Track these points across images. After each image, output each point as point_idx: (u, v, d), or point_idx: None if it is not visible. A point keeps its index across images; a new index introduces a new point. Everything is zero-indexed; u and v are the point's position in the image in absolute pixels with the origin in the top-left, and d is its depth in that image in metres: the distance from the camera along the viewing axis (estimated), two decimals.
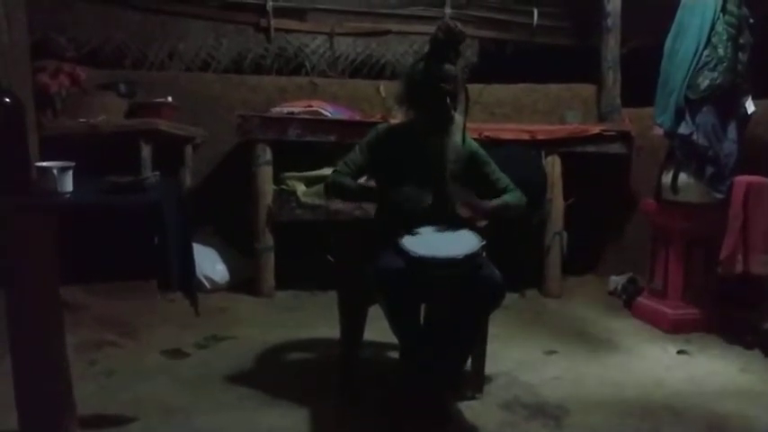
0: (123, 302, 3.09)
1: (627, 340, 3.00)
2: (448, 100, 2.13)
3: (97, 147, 3.04)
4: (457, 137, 2.23)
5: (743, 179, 2.89)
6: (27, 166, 1.73)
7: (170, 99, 3.56)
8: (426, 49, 2.27)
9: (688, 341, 2.96)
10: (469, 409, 2.21)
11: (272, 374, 2.54)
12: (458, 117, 2.20)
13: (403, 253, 1.98)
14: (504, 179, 2.33)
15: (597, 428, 2.11)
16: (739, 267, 2.82)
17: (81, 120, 3.25)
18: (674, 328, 3.08)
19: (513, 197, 2.30)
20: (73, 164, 1.74)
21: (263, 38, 4.10)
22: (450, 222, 2.18)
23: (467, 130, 2.32)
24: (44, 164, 1.72)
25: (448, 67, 2.15)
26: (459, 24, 2.20)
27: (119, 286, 3.08)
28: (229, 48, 4.06)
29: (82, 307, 2.94)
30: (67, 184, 1.72)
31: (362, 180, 2.67)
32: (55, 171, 1.70)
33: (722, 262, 2.86)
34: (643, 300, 3.35)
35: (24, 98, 2.14)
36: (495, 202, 2.27)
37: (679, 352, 2.84)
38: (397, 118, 2.49)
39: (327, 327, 2.76)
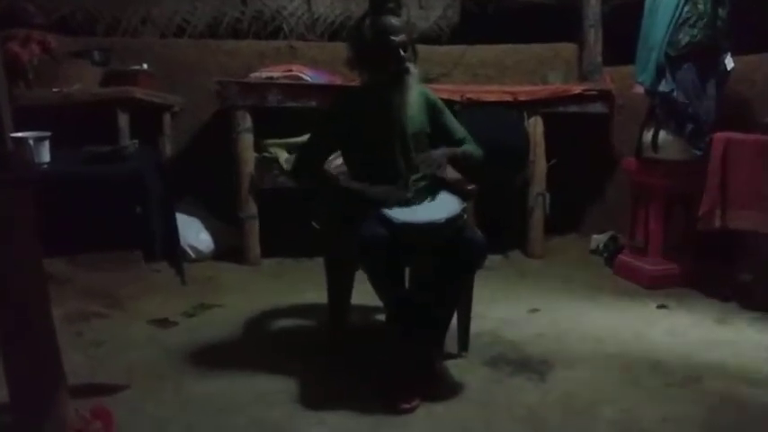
0: (108, 273, 3.08)
1: (608, 297, 3.07)
2: (401, 51, 2.11)
3: (73, 117, 2.97)
4: (414, 90, 2.20)
5: (722, 136, 2.92)
6: (2, 137, 1.69)
7: (145, 66, 3.48)
8: (367, 6, 2.22)
9: (668, 296, 3.04)
10: (456, 367, 2.26)
11: (260, 341, 2.56)
12: (413, 68, 2.17)
13: (385, 219, 1.99)
14: (461, 130, 2.34)
15: (579, 382, 2.18)
16: (717, 222, 2.87)
17: (55, 89, 3.18)
18: (654, 283, 3.15)
19: (471, 148, 2.32)
20: (49, 134, 1.71)
21: (238, 1, 4.00)
22: (426, 182, 2.18)
23: (436, 84, 2.30)
24: (20, 134, 1.69)
25: (394, 19, 2.13)
26: None
27: (103, 257, 3.06)
28: (204, 12, 3.97)
29: (66, 279, 2.93)
30: (44, 154, 1.69)
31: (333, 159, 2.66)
32: (31, 141, 1.67)
33: (701, 217, 2.91)
34: (624, 257, 3.41)
35: None
36: (454, 149, 2.27)
37: (659, 306, 2.92)
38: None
39: (314, 292, 2.78)
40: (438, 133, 2.31)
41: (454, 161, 2.26)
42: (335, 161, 2.68)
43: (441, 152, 2.23)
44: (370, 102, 2.20)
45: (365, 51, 2.17)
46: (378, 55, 2.13)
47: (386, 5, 2.15)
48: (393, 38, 2.10)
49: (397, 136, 2.19)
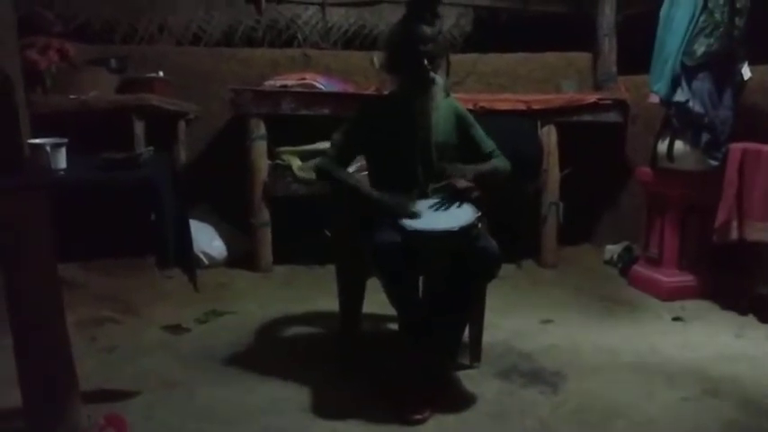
0: (122, 279, 3.10)
1: (622, 308, 3.03)
2: (425, 61, 2.11)
3: (89, 124, 3.00)
4: (439, 100, 2.20)
5: (738, 146, 2.89)
6: (19, 143, 1.71)
7: (161, 74, 3.51)
8: (404, 12, 2.24)
9: (683, 308, 3.00)
10: (468, 378, 2.25)
11: (271, 348, 2.56)
12: (438, 79, 2.17)
13: (399, 227, 1.99)
14: (489, 143, 2.33)
15: (593, 394, 2.15)
16: (734, 234, 2.84)
17: (72, 96, 3.21)
18: (670, 295, 3.11)
19: (499, 163, 2.30)
20: (66, 140, 1.72)
21: (253, 9, 4.03)
22: (442, 192, 2.18)
23: (450, 93, 2.31)
24: (37, 141, 1.71)
25: (423, 28, 2.14)
26: None
27: (116, 263, 3.09)
28: (220, 21, 4.00)
29: (80, 284, 2.95)
30: (61, 160, 1.70)
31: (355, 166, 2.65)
32: (48, 148, 1.68)
33: (717, 229, 2.87)
34: (639, 268, 3.37)
35: (13, 75, 2.09)
36: (483, 167, 2.25)
37: (674, 319, 2.88)
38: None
39: (326, 300, 2.78)
40: (466, 146, 2.30)
41: (483, 178, 2.24)
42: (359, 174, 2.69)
43: (471, 168, 2.22)
44: (394, 109, 2.22)
45: (393, 57, 2.20)
46: (403, 62, 2.15)
47: (420, 14, 2.17)
48: (420, 47, 2.11)
49: (418, 144, 2.19)
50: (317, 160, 2.35)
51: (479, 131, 2.32)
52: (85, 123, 2.94)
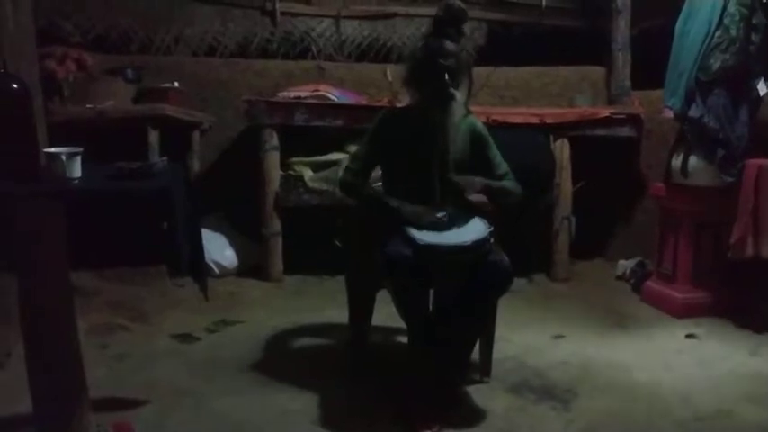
0: (133, 287, 3.11)
1: (635, 324, 3.00)
2: (446, 76, 2.12)
3: (105, 133, 3.04)
4: (458, 116, 2.21)
5: (754, 162, 2.86)
6: (35, 152, 1.73)
7: (177, 84, 3.55)
8: (429, 28, 2.27)
9: (697, 325, 2.96)
10: (478, 392, 2.22)
11: (281, 358, 2.56)
12: (458, 95, 2.18)
13: (411, 240, 1.98)
14: (503, 166, 2.31)
15: (605, 412, 2.12)
16: (749, 251, 2.80)
17: (88, 106, 3.25)
18: (683, 312, 3.07)
19: (510, 185, 2.29)
20: (81, 149, 1.74)
21: (268, 22, 4.08)
22: (456, 206, 2.17)
23: (471, 111, 2.32)
24: (53, 150, 1.73)
25: (447, 43, 2.15)
26: (460, 3, 2.21)
27: (129, 271, 3.10)
28: (235, 32, 4.04)
29: (92, 292, 2.97)
30: (76, 169, 1.72)
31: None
32: (63, 157, 1.70)
33: (732, 245, 2.84)
34: (652, 284, 3.34)
35: (32, 84, 2.13)
36: (493, 182, 2.25)
37: (688, 336, 2.84)
38: (404, 102, 2.48)
39: (336, 311, 2.78)
40: (480, 166, 2.29)
41: (491, 193, 2.25)
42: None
43: (480, 179, 2.22)
44: (413, 122, 2.22)
45: (414, 70, 2.21)
46: (424, 76, 2.16)
47: (444, 29, 2.19)
48: (441, 61, 2.12)
49: (436, 158, 2.19)
50: (339, 174, 2.36)
51: (495, 153, 2.31)
52: (101, 132, 2.98)
